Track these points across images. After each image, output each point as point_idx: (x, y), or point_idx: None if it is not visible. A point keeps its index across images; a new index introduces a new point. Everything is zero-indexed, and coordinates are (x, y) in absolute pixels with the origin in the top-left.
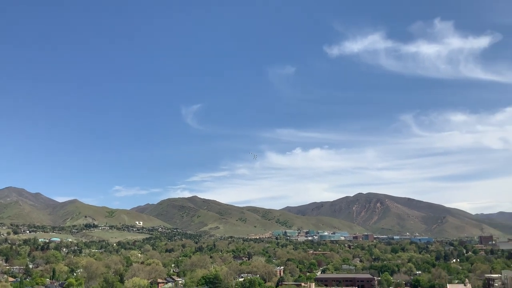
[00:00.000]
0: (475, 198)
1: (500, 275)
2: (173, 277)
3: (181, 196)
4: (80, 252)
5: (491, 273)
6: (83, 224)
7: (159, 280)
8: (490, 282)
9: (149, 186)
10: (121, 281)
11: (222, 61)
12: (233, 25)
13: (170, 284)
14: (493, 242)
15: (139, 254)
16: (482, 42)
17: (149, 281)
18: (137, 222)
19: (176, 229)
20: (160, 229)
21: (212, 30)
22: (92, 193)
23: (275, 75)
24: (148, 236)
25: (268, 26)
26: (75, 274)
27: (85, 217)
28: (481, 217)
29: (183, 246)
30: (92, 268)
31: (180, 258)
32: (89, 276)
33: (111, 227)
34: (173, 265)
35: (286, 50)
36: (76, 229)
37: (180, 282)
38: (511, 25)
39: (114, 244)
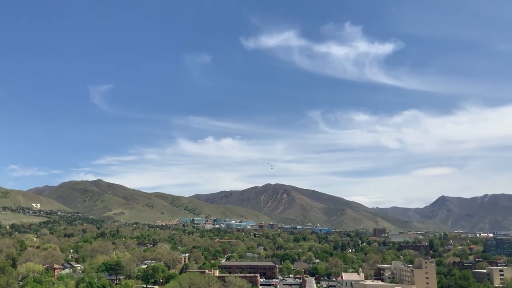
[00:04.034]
0: (371, 193)
1: (390, 265)
2: (71, 263)
3: (84, 179)
4: None
5: (382, 263)
6: None
7: (56, 266)
8: (381, 271)
9: (49, 167)
10: (14, 265)
11: (136, 42)
12: (151, 7)
13: (67, 270)
14: (386, 234)
15: (35, 238)
16: (387, 48)
17: (45, 266)
18: (34, 205)
19: (77, 213)
20: (59, 213)
21: (127, 11)
22: None
23: (191, 62)
24: (45, 219)
25: (185, 12)
26: None
27: None
28: (376, 210)
29: (84, 231)
30: None
31: (80, 244)
32: None
33: (4, 208)
34: (72, 250)
35: (203, 38)
36: None
37: (79, 268)
38: (413, 35)
39: (8, 227)
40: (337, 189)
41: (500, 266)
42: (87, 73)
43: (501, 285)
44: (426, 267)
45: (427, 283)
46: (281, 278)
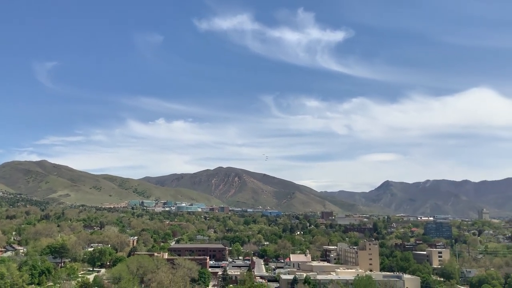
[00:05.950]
0: (320, 177)
1: (336, 247)
2: (14, 245)
3: (27, 160)
4: None
5: (328, 245)
6: None
7: None
8: (327, 253)
9: None
10: None
11: (84, 18)
12: None
13: (9, 253)
14: (333, 217)
15: None
16: (338, 36)
17: None
18: None
19: (20, 194)
20: (0, 194)
21: None
22: None
23: (142, 42)
24: None
25: None
26: None
27: None
28: (324, 194)
29: (27, 213)
30: None
31: (23, 226)
32: None
33: None
34: (14, 233)
35: (156, 17)
36: None
37: (22, 251)
38: (364, 24)
39: None
40: (288, 173)
41: (439, 248)
42: (31, 48)
43: (439, 266)
44: (369, 249)
45: (371, 264)
46: (231, 260)
